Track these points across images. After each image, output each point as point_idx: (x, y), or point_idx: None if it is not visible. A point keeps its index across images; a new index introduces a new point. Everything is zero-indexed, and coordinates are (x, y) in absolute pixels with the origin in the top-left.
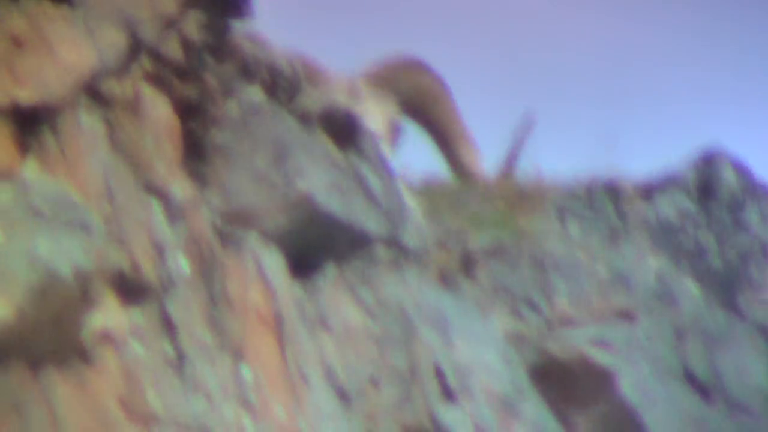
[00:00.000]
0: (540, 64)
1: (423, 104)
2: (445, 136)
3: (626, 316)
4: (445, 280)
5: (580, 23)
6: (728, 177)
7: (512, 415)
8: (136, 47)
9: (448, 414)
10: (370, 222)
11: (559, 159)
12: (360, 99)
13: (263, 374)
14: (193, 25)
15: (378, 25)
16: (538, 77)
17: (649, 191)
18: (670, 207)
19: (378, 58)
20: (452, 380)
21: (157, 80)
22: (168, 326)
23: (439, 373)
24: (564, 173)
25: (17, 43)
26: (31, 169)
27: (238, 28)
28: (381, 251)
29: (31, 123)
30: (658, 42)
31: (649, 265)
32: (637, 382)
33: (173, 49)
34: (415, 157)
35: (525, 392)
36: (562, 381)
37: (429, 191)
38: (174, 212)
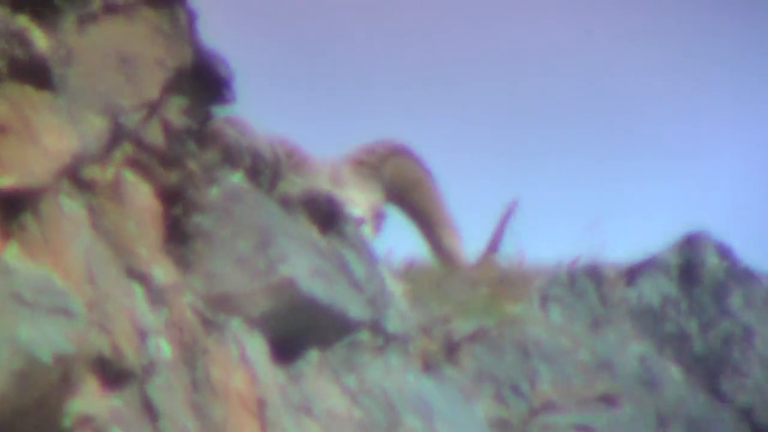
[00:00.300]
0: (523, 146)
1: (406, 190)
2: (427, 221)
3: (609, 400)
4: (429, 365)
5: (564, 103)
6: (711, 260)
7: None
8: (118, 133)
9: None
10: (353, 307)
11: (542, 243)
12: (343, 184)
13: None
14: (175, 110)
15: (362, 108)
16: (521, 159)
17: (631, 275)
18: (652, 291)
19: (361, 142)
20: None
21: (139, 166)
22: (149, 412)
23: None
24: (547, 258)
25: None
26: (13, 254)
27: (221, 113)
28: (364, 337)
29: (13, 208)
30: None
31: (631, 349)
32: None
33: (155, 135)
34: (399, 242)
35: None
36: None
37: (412, 276)
38: (156, 297)
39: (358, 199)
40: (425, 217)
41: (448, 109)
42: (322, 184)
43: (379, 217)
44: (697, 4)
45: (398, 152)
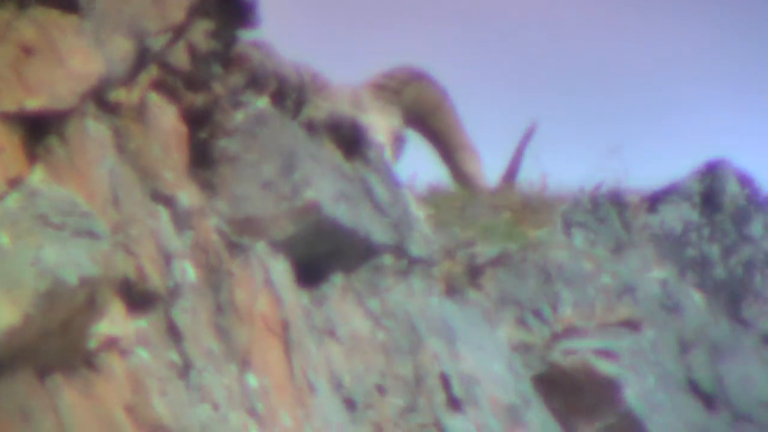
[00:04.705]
0: (544, 73)
1: (425, 114)
2: (447, 146)
3: (631, 326)
4: (452, 289)
5: (586, 31)
6: (732, 188)
7: (518, 425)
8: (143, 56)
9: (454, 423)
10: (377, 231)
11: (565, 169)
12: (363, 109)
13: (270, 382)
14: (201, 34)
15: (380, 36)
16: (542, 86)
17: (654, 202)
18: (674, 218)
19: (380, 68)
20: (458, 389)
21: (164, 88)
22: (174, 334)
23: (446, 383)
24: (570, 183)
25: (26, 51)
26: (38, 177)
27: (246, 37)
28: (388, 260)
29: (39, 131)
30: (665, 51)
31: (654, 275)
32: (642, 392)
33: (181, 58)
34: (422, 167)
35: (530, 402)
36: (568, 391)
37: (435, 201)
38: (181, 220)
39: (378, 124)
40: (444, 141)
41: (464, 33)
42: (344, 108)
43: (398, 142)
44: None
45: (417, 77)
